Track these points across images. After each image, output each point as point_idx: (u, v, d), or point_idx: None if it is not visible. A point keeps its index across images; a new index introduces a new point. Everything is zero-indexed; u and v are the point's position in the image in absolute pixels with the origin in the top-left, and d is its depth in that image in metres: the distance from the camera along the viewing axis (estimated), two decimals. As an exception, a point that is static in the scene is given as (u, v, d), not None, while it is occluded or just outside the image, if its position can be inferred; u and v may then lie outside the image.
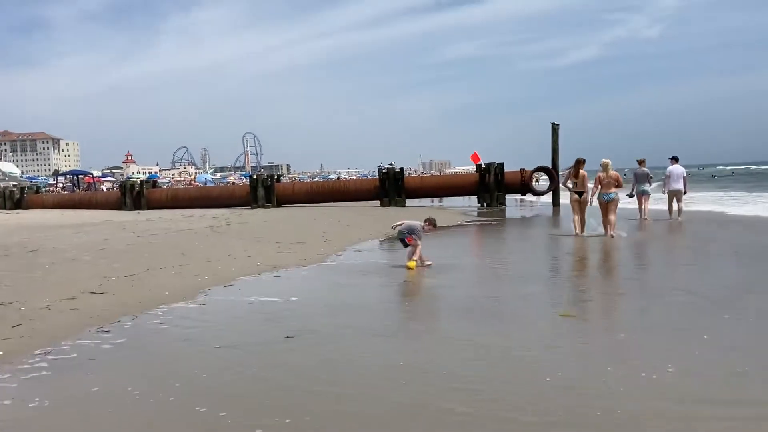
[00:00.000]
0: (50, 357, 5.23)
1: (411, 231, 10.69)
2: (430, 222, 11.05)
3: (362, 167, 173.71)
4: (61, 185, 58.95)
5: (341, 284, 8.84)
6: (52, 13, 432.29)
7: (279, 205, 29.81)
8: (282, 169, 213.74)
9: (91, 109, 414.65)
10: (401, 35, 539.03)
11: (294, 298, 7.67)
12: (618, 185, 14.18)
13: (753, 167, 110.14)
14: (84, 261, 11.05)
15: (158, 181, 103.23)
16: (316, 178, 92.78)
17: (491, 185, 28.53)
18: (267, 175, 31.02)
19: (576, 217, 14.52)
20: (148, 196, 31.09)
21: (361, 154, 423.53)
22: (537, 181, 38.76)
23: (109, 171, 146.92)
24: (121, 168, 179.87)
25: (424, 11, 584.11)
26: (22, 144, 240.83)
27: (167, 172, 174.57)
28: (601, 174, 14.25)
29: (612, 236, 13.70)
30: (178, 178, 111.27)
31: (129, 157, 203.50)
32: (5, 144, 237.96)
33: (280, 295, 7.84)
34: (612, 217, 13.89)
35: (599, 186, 14.23)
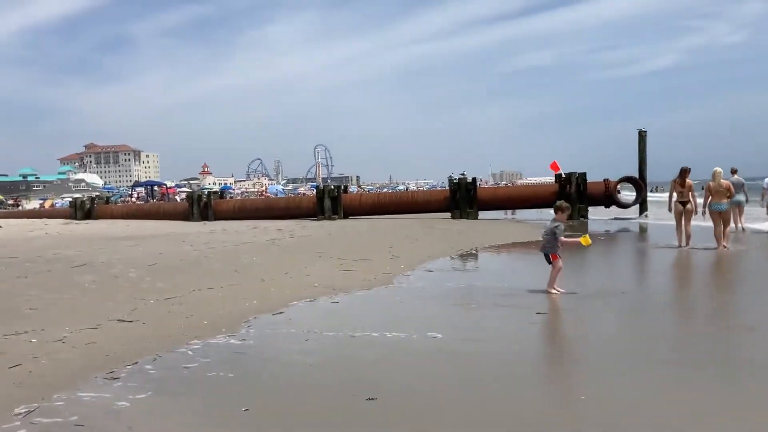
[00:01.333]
0: (32, 420, 4.03)
1: (552, 239, 8.60)
2: (562, 209, 8.91)
3: (431, 178, 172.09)
4: (136, 196, 60.12)
5: (416, 315, 7.37)
6: (136, 30, 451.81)
7: (346, 216, 28.72)
8: (351, 180, 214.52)
9: (170, 122, 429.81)
10: (470, 46, 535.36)
11: (358, 333, 6.28)
12: (729, 195, 13.49)
13: None
14: (127, 279, 10.07)
15: (232, 191, 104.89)
16: (385, 189, 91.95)
17: (572, 196, 26.46)
18: (333, 186, 30.02)
19: (680, 228, 13.76)
20: (216, 207, 30.64)
21: (430, 165, 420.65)
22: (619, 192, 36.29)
23: (186, 182, 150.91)
24: (198, 179, 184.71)
25: (494, 22, 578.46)
26: (106, 156, 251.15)
27: (242, 183, 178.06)
28: (711, 183, 13.47)
29: (725, 247, 13.02)
30: (252, 189, 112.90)
31: (205, 169, 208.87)
32: (90, 156, 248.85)
33: (340, 328, 6.48)
34: (726, 229, 13.36)
35: (709, 196, 13.47)
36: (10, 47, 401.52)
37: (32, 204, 77.70)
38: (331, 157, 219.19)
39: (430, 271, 10.95)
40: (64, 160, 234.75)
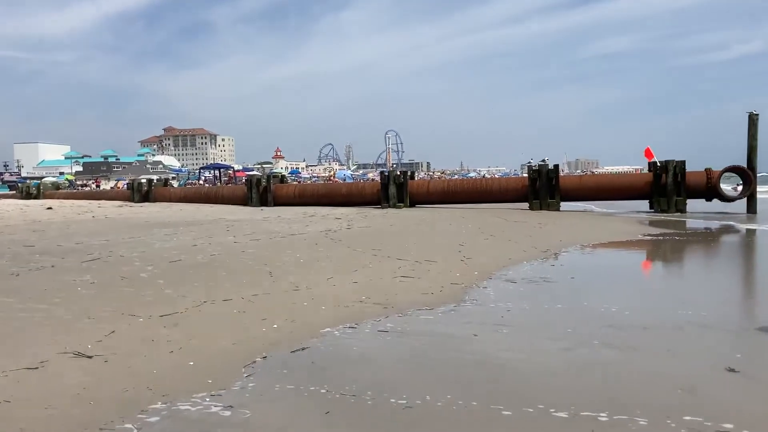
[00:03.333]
0: None
1: None
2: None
3: (503, 165, 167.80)
4: (203, 179, 59.71)
5: (502, 371, 4.90)
6: (215, 17, 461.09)
7: (412, 205, 26.49)
8: (422, 166, 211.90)
9: (246, 107, 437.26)
10: (545, 30, 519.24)
11: (422, 399, 4.02)
12: None
13: None
14: (134, 281, 8.16)
15: (301, 175, 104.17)
16: (455, 176, 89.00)
17: (669, 187, 23.35)
18: (400, 172, 27.80)
19: None
20: (275, 192, 28.95)
21: (502, 152, 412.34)
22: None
23: (259, 166, 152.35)
24: (271, 163, 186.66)
25: (570, 6, 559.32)
26: (183, 139, 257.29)
27: (313, 168, 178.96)
28: None
29: None
30: (322, 174, 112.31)
31: (278, 153, 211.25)
32: (169, 139, 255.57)
33: (384, 384, 4.26)
34: None
35: None
36: (98, 34, 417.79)
37: (110, 185, 79.01)
38: (401, 143, 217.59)
39: (513, 282, 8.55)
40: (143, 143, 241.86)
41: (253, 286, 7.90)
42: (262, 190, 29.05)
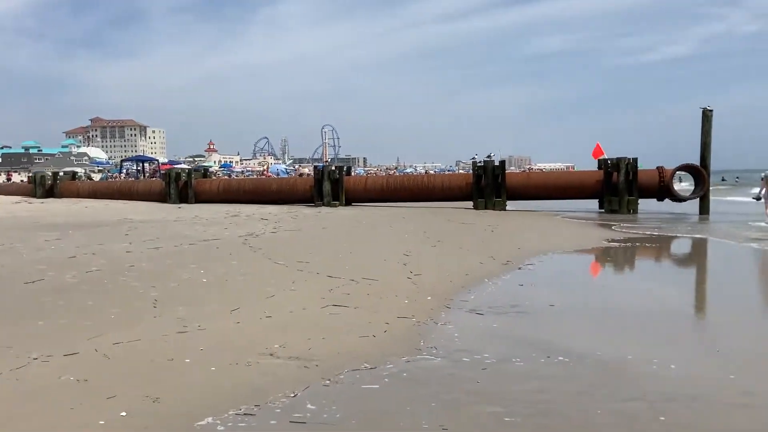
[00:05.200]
0: None
1: None
2: None
3: (439, 161, 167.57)
4: (125, 172, 55.77)
5: None
6: (148, 4, 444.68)
7: (348, 203, 24.30)
8: (358, 162, 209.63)
9: (179, 99, 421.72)
10: (481, 29, 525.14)
11: None
12: None
13: None
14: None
15: (233, 170, 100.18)
16: (392, 173, 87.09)
17: (621, 186, 21.96)
18: (335, 167, 25.56)
19: None
20: (197, 188, 26.16)
21: (438, 148, 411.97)
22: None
23: (191, 159, 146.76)
24: (204, 156, 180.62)
25: (507, 5, 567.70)
26: (111, 130, 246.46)
27: (248, 161, 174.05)
28: None
29: None
30: (257, 168, 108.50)
31: (211, 146, 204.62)
32: (96, 130, 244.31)
33: None
34: None
35: None
36: (22, 18, 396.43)
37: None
38: (338, 138, 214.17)
39: (479, 313, 6.50)
40: (69, 134, 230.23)
41: (119, 327, 5.59)
42: (182, 186, 26.22)
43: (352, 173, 31.69)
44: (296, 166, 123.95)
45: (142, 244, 11.12)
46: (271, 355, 4.90)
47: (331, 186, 23.95)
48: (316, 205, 23.53)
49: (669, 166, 22.54)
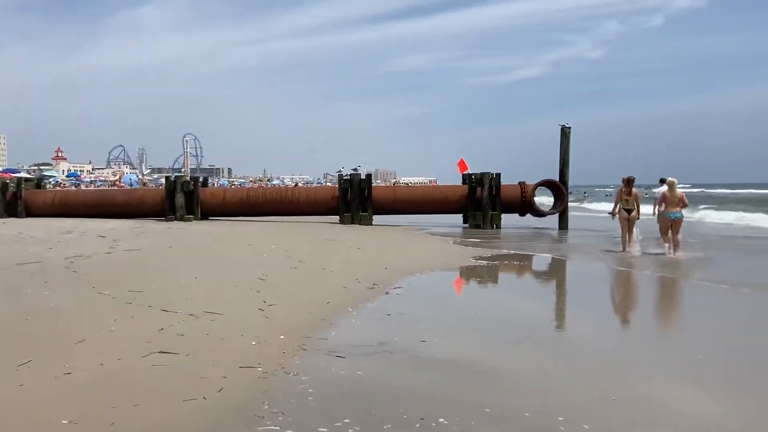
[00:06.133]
0: None
1: None
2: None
3: (306, 174, 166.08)
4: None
5: None
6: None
7: (205, 217, 22.50)
8: (222, 172, 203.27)
9: (25, 103, 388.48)
10: (348, 44, 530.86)
11: None
12: (684, 205, 14.01)
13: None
14: None
15: (82, 179, 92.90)
16: (257, 184, 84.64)
17: (485, 201, 21.95)
18: (190, 178, 23.64)
19: (625, 234, 14.25)
20: (28, 200, 23.09)
21: (306, 160, 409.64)
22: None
23: (35, 167, 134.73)
24: (51, 165, 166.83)
25: (373, 22, 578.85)
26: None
27: (101, 171, 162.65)
28: (667, 193, 14.01)
29: (674, 256, 13.30)
30: (111, 177, 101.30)
31: (59, 154, 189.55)
32: None
33: None
34: (679, 237, 13.72)
35: (663, 204, 13.96)
36: None
37: None
38: (200, 147, 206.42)
39: (339, 356, 5.40)
40: None
41: None
42: (11, 197, 23.12)
43: (215, 185, 29.74)
44: (156, 176, 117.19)
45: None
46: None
47: (184, 198, 22.04)
48: (168, 220, 21.52)
49: (530, 181, 22.87)
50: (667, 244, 13.71)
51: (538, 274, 12.83)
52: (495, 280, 11.17)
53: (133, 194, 25.65)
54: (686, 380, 5.04)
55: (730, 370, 5.42)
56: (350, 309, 7.46)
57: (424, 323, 6.92)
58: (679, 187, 14.19)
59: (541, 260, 14.00)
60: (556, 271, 13.00)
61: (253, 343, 5.75)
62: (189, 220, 21.69)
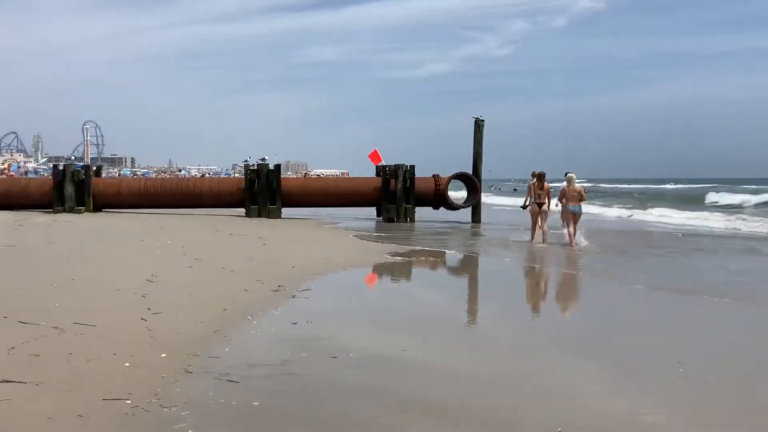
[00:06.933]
0: None
1: None
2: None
3: (215, 164, 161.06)
4: None
5: None
6: None
7: (98, 209, 20.75)
8: (126, 162, 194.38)
9: None
10: (259, 32, 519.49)
11: None
12: (581, 198, 14.43)
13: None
14: None
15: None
16: (163, 175, 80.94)
17: (399, 194, 21.36)
18: (82, 167, 21.72)
19: (536, 227, 14.74)
20: None
21: (214, 151, 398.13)
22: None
23: None
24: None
25: (286, 10, 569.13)
26: None
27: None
28: (566, 187, 14.43)
29: (574, 246, 13.73)
30: (0, 166, 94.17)
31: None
32: None
33: None
34: (577, 229, 14.24)
35: (564, 199, 14.37)
36: None
37: None
38: (102, 136, 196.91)
39: (233, 381, 4.51)
40: None
41: None
42: None
43: (118, 174, 27.68)
44: (22, 165, 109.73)
45: None
46: None
47: (75, 189, 20.22)
48: (56, 212, 19.66)
49: (444, 174, 22.45)
50: (568, 237, 14.16)
51: (454, 271, 12.26)
52: (411, 279, 10.49)
53: (16, 184, 23.36)
54: (574, 362, 5.38)
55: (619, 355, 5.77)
56: (250, 317, 6.53)
57: (336, 333, 6.11)
58: (577, 182, 14.62)
59: (456, 257, 13.46)
60: (471, 266, 12.53)
61: (127, 364, 4.75)
62: (80, 212, 19.93)
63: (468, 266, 12.59)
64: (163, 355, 5.04)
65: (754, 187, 53.79)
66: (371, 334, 6.22)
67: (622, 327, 7.03)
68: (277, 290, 8.04)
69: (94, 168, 22.47)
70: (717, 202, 38.06)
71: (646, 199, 41.41)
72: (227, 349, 5.32)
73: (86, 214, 19.71)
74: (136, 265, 9.32)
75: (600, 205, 33.98)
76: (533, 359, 5.48)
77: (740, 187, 53.60)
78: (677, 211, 29.21)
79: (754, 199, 37.30)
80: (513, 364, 5.35)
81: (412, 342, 5.82)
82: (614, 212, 30.62)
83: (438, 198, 22.17)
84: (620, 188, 76.34)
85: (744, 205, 35.16)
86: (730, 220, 23.33)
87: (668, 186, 74.78)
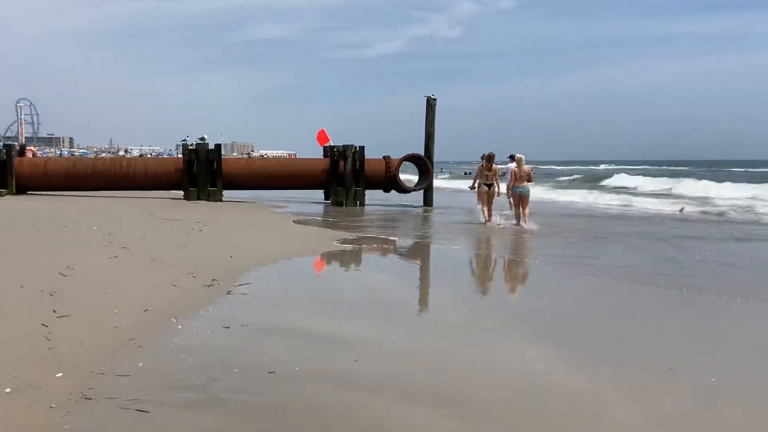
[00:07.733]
0: None
1: None
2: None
3: (158, 145, 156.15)
4: None
5: None
6: None
7: (21, 191, 19.21)
8: (63, 141, 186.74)
9: None
10: (203, 8, 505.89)
11: None
12: (529, 179, 14.75)
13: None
14: None
15: None
16: (103, 155, 77.63)
17: (348, 176, 20.46)
18: (3, 145, 20.01)
19: (484, 208, 14.97)
20: None
21: (156, 132, 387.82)
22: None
23: None
24: None
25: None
26: None
27: None
28: (515, 169, 14.76)
29: (523, 225, 14.03)
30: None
31: None
32: None
33: None
34: (527, 210, 14.45)
35: (514, 180, 14.65)
36: None
37: None
38: (37, 114, 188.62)
39: (142, 411, 3.61)
40: None
41: None
42: None
43: (60, 155, 25.84)
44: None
45: None
46: None
47: (-5, 169, 18.58)
48: (-27, 195, 18.05)
49: (394, 156, 21.63)
50: (516, 217, 14.59)
51: (406, 257, 11.44)
52: (361, 269, 9.65)
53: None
54: (522, 344, 5.41)
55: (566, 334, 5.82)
56: (175, 320, 5.58)
57: (275, 340, 5.23)
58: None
59: (408, 243, 12.64)
60: (423, 253, 11.76)
61: (8, 390, 3.77)
62: (1, 195, 18.34)
63: (420, 254, 11.82)
64: (59, 374, 4.08)
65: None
66: (318, 341, 5.35)
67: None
68: (210, 285, 7.09)
69: (17, 147, 20.71)
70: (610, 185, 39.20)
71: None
72: (141, 364, 4.39)
73: (8, 197, 18.16)
74: (51, 256, 8.20)
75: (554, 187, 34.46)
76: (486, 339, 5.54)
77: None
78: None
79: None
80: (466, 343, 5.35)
81: (362, 352, 4.99)
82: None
83: (389, 181, 21.37)
84: (555, 170, 78.00)
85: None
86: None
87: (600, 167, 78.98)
